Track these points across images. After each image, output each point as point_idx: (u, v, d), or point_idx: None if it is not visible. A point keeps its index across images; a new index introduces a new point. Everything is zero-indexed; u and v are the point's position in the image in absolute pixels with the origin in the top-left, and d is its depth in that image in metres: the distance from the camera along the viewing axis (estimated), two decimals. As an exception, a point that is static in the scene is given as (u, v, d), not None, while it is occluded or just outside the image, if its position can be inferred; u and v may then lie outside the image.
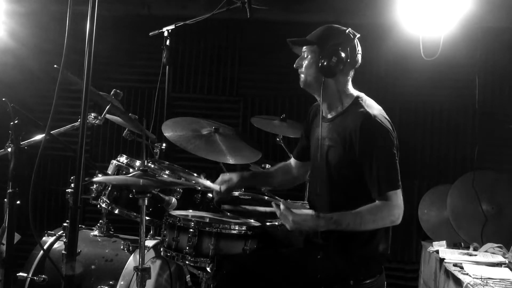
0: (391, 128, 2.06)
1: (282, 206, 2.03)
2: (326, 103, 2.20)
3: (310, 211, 2.06)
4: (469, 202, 3.52)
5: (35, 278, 2.41)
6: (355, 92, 2.19)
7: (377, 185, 1.98)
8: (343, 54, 2.08)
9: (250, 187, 2.74)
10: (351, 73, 2.19)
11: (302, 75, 2.22)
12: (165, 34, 3.11)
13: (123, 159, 2.71)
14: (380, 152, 1.99)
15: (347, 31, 2.14)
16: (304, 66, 2.20)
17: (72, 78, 2.27)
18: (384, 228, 2.07)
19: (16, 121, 2.04)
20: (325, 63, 2.08)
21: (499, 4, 3.59)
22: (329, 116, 2.21)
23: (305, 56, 2.20)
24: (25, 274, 2.44)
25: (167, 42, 3.12)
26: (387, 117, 2.11)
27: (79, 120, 1.86)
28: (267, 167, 3.35)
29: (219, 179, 2.47)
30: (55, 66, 2.18)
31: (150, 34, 3.18)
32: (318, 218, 2.00)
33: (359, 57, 2.17)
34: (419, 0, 3.34)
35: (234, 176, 2.46)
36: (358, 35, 2.15)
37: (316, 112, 2.34)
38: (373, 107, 2.11)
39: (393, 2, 3.44)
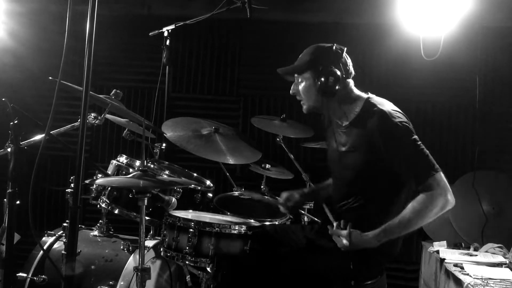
0: (406, 119, 2.05)
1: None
2: (336, 116, 2.22)
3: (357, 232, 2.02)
4: (469, 202, 3.51)
5: (35, 278, 2.41)
6: (364, 95, 2.19)
7: (414, 178, 1.98)
8: (338, 72, 2.11)
9: (312, 201, 2.73)
10: (350, 82, 2.19)
11: (304, 103, 2.23)
12: (165, 34, 3.11)
13: (123, 159, 2.71)
14: (404, 145, 1.99)
15: (334, 48, 2.15)
16: (301, 91, 2.21)
17: (70, 88, 2.28)
18: None
19: (16, 121, 2.04)
20: (323, 85, 2.10)
21: (499, 4, 3.59)
22: (344, 123, 2.20)
23: (299, 81, 2.21)
24: (25, 274, 2.43)
25: (167, 42, 3.12)
26: (400, 110, 2.10)
27: (79, 120, 1.86)
28: (267, 167, 3.35)
29: (283, 197, 2.47)
30: (50, 78, 2.20)
31: (150, 34, 3.18)
32: (366, 237, 1.99)
33: (352, 68, 2.19)
34: (419, 0, 3.34)
35: (296, 193, 2.47)
36: (345, 48, 2.17)
37: (329, 121, 2.35)
38: (384, 104, 2.11)
39: (393, 2, 3.44)
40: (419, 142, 2.01)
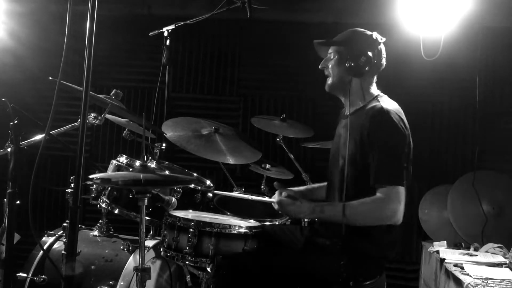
0: (402, 126, 2.05)
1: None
2: (349, 102, 2.23)
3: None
4: (469, 202, 3.51)
5: (35, 278, 2.41)
6: (376, 92, 2.22)
7: (375, 175, 1.98)
8: (370, 54, 2.14)
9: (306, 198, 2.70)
10: (376, 76, 2.23)
11: (329, 78, 2.25)
12: (165, 34, 3.11)
13: (123, 159, 2.71)
14: (385, 145, 2.00)
15: (373, 35, 2.18)
16: (330, 66, 2.23)
17: (70, 88, 2.28)
18: (390, 231, 2.05)
19: (16, 121, 2.04)
20: (353, 63, 2.13)
21: (499, 4, 3.59)
22: (347, 112, 2.24)
23: (331, 57, 2.24)
24: (25, 274, 2.43)
25: (167, 42, 3.11)
26: (402, 116, 2.10)
27: (79, 120, 1.86)
28: (267, 167, 3.35)
29: (276, 193, 2.43)
30: (50, 78, 2.21)
31: (150, 34, 3.18)
32: (301, 204, 2.06)
33: (384, 61, 2.22)
34: (419, 0, 3.34)
35: (290, 191, 2.45)
36: (384, 39, 2.20)
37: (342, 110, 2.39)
38: (389, 104, 2.12)
39: (393, 2, 3.44)
40: (401, 152, 1.99)
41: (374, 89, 2.23)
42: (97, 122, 2.45)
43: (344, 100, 2.28)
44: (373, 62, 2.15)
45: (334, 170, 2.24)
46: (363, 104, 2.17)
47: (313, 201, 2.12)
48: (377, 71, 2.23)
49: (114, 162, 2.71)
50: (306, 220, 3.12)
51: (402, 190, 1.96)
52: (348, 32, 2.24)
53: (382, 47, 2.20)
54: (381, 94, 2.21)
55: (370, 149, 2.02)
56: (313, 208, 2.07)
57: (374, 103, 2.12)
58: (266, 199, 2.43)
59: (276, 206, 2.18)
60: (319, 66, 2.28)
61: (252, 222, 2.59)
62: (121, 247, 2.51)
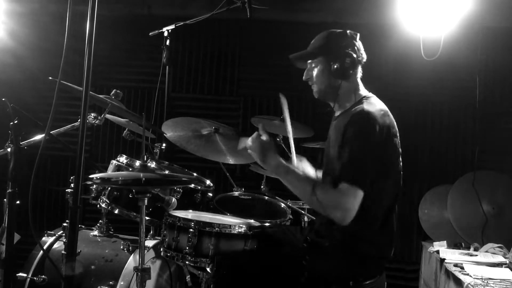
0: (378, 129, 1.98)
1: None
2: (338, 105, 2.21)
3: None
4: (469, 202, 3.51)
5: (35, 278, 2.41)
6: (363, 93, 2.20)
7: (341, 170, 1.94)
8: (354, 55, 2.13)
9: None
10: (360, 71, 2.22)
11: (315, 86, 2.22)
12: (165, 34, 3.11)
13: (123, 159, 2.71)
14: (355, 144, 1.95)
15: (348, 32, 2.16)
16: (314, 76, 2.20)
17: (70, 88, 2.28)
18: (388, 231, 2.07)
19: (16, 121, 2.04)
20: (339, 67, 2.11)
21: (499, 4, 3.59)
22: (336, 114, 2.24)
23: (313, 66, 2.21)
24: (25, 274, 2.43)
25: (167, 42, 3.11)
26: (385, 118, 2.03)
27: (79, 120, 1.86)
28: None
29: (255, 134, 2.27)
30: (50, 78, 2.21)
31: (150, 34, 3.18)
32: (273, 155, 2.06)
33: (364, 53, 2.21)
34: (419, 0, 3.35)
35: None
36: (359, 34, 2.18)
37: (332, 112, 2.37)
38: (373, 105, 2.08)
39: (393, 2, 3.44)
40: (375, 157, 1.94)
41: (363, 89, 2.20)
42: (97, 122, 2.46)
43: (332, 104, 2.25)
44: (357, 60, 2.15)
45: (325, 171, 2.24)
46: (349, 106, 2.15)
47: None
48: (359, 66, 2.21)
49: (114, 162, 2.71)
50: (306, 220, 3.13)
51: (359, 193, 1.89)
52: (323, 36, 2.19)
53: (358, 42, 2.18)
54: (369, 95, 2.18)
55: (343, 148, 1.99)
56: (282, 166, 2.04)
57: (358, 105, 2.09)
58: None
59: (249, 146, 2.15)
60: (303, 78, 2.24)
61: (252, 222, 2.59)
62: (121, 247, 2.51)
